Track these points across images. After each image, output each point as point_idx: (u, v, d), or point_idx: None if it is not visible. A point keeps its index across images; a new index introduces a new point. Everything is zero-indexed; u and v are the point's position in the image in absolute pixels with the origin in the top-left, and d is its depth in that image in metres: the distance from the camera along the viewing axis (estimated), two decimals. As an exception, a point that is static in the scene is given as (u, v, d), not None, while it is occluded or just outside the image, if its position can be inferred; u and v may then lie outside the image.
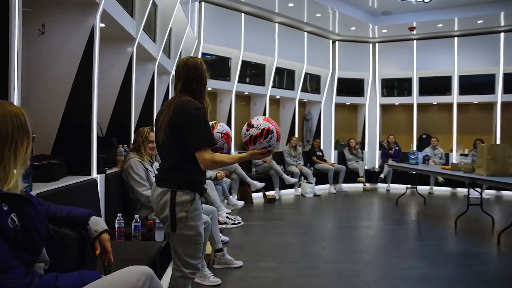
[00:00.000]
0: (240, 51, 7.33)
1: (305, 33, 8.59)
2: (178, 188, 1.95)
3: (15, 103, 1.86)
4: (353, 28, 8.70)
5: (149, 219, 3.06)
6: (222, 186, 5.27)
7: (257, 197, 6.99)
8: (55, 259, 1.39)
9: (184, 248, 2.01)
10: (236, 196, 6.47)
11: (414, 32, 8.69)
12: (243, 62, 7.47)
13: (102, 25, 3.31)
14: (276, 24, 7.99)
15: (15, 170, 1.21)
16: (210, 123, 2.66)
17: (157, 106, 4.87)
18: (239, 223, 4.42)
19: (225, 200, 5.62)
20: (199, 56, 6.85)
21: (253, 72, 8.05)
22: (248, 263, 3.50)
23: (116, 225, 2.75)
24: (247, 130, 2.05)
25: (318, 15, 7.86)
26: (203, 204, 3.52)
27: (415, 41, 9.03)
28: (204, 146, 1.92)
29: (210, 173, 4.99)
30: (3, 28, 1.83)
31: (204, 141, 1.93)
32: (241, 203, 5.84)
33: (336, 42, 9.31)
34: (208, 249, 3.44)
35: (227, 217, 4.33)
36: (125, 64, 3.71)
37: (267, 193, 6.95)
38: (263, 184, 6.46)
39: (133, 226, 2.70)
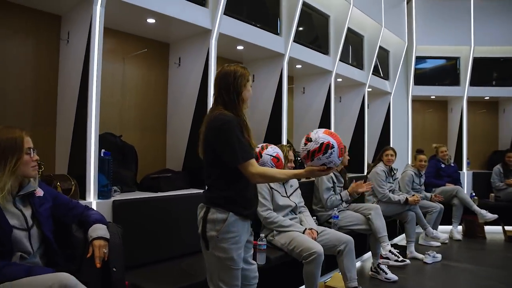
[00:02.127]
0: (470, 47, 5.93)
1: None
2: (212, 205, 1.86)
3: (93, 127, 2.32)
4: None
5: (268, 240, 2.96)
6: (416, 212, 4.37)
7: (496, 231, 5.34)
8: (48, 255, 1.71)
9: (217, 270, 1.87)
10: (458, 228, 5.20)
11: None
12: (477, 60, 5.98)
13: (241, 47, 3.53)
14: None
15: (3, 177, 1.60)
16: (261, 145, 2.40)
17: (335, 119, 4.65)
18: (403, 261, 3.51)
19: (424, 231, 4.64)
20: (413, 61, 6.04)
21: (495, 71, 6.29)
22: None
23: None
24: (305, 144, 1.84)
25: None
26: (335, 230, 3.12)
27: None
28: (241, 160, 1.78)
29: (399, 197, 4.26)
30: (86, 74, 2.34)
31: (239, 156, 1.78)
32: (445, 236, 4.65)
33: None
34: (340, 284, 2.98)
35: (390, 251, 3.54)
36: (276, 80, 3.78)
37: (508, 228, 5.19)
38: (495, 216, 4.90)
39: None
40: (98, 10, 2.37)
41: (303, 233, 2.91)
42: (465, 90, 6.07)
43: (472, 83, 6.08)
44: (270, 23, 3.71)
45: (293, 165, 3.20)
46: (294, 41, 3.87)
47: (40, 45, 2.65)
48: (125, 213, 2.39)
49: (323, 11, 4.43)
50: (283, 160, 2.44)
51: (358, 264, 4.10)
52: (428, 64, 6.42)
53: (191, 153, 3.13)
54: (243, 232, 1.90)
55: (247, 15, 3.44)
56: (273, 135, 3.79)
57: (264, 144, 2.45)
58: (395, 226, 4.78)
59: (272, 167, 2.32)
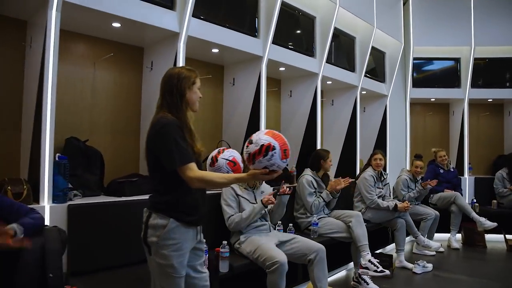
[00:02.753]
0: (470, 47, 5.71)
1: None
2: (153, 210, 1.82)
3: (48, 130, 2.30)
4: None
5: (235, 248, 2.88)
6: (406, 219, 4.20)
7: (497, 240, 5.08)
8: None
9: (158, 277, 1.82)
10: (456, 236, 4.99)
11: None
12: (478, 61, 5.76)
13: (216, 50, 3.49)
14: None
15: None
16: (217, 149, 2.32)
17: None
18: (382, 271, 3.34)
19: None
20: (410, 62, 5.86)
21: (499, 72, 6.03)
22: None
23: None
24: (246, 147, 1.77)
25: None
26: (309, 239, 3.01)
27: None
28: (179, 164, 1.73)
29: (388, 203, 4.11)
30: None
31: (176, 159, 1.72)
32: (437, 245, 4.45)
33: None
34: (311, 294, 2.87)
35: (369, 261, 3.39)
36: (254, 85, 3.73)
37: (510, 237, 4.93)
38: (495, 224, 4.66)
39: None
40: (54, 15, 2.35)
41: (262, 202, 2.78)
42: (466, 92, 5.84)
43: (475, 85, 5.85)
44: (247, 25, 3.64)
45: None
46: (275, 43, 3.80)
47: (6, 50, 2.66)
48: (81, 218, 2.35)
49: (309, 12, 4.34)
50: (240, 164, 2.35)
51: (343, 273, 3.97)
52: (429, 66, 6.22)
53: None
54: (186, 239, 1.83)
55: (221, 17, 3.39)
56: (252, 139, 3.72)
57: (221, 148, 2.38)
58: (386, 234, 4.61)
59: (228, 171, 2.24)
